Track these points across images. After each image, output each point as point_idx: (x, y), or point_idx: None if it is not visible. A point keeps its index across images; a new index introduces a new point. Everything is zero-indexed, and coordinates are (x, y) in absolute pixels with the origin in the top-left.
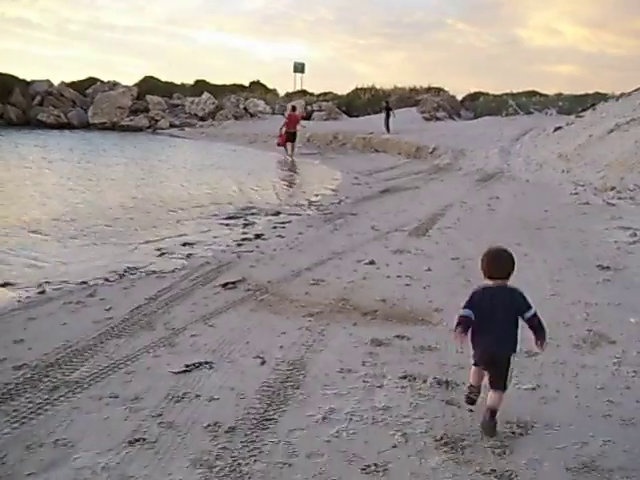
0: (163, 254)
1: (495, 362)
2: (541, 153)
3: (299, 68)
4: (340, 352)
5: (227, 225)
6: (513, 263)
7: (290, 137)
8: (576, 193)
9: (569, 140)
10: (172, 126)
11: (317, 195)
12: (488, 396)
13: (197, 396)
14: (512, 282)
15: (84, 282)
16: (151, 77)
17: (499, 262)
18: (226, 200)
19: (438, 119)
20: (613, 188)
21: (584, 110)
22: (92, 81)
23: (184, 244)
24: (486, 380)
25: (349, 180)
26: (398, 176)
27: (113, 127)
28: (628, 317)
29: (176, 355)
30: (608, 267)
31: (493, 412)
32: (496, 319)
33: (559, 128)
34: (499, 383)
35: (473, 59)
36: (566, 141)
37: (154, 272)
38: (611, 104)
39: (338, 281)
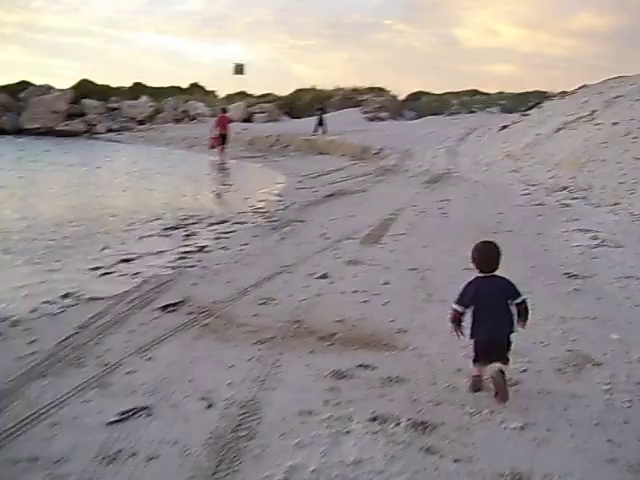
0: (98, 273)
1: (497, 343)
2: (488, 152)
3: (239, 69)
4: (298, 388)
5: (168, 237)
6: (499, 255)
7: (221, 139)
8: (528, 193)
9: (516, 139)
10: (110, 130)
11: (261, 201)
12: (493, 378)
13: (133, 454)
14: None
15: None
16: (87, 80)
17: (488, 256)
18: (166, 209)
19: (381, 119)
20: (565, 188)
21: (530, 109)
22: (25, 85)
23: (122, 260)
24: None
25: (294, 184)
26: (344, 179)
27: (48, 132)
28: (608, 333)
29: (109, 399)
30: (576, 275)
31: (502, 384)
32: (493, 306)
33: (505, 127)
34: (504, 357)
35: (413, 59)
36: (513, 140)
37: (87, 295)
38: (557, 102)
39: (290, 299)
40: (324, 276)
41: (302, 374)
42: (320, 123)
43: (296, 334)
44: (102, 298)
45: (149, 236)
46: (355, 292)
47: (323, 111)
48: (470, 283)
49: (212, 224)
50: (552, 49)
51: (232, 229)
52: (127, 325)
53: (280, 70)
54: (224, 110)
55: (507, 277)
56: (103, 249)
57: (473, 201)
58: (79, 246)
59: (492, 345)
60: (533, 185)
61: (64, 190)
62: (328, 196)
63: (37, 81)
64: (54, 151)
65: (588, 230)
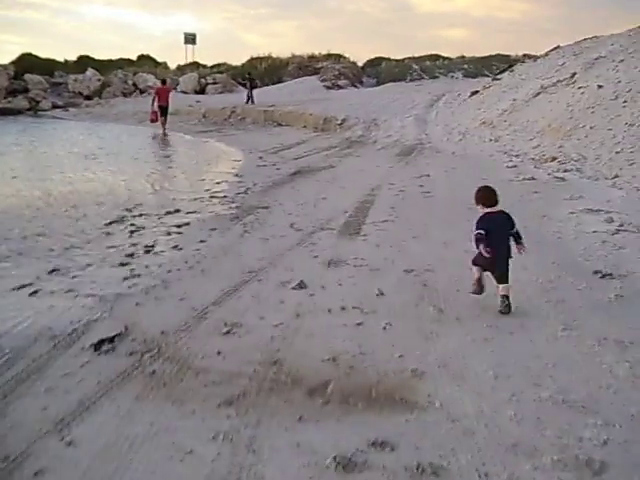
0: (14, 293)
1: (500, 266)
2: (461, 120)
3: (190, 39)
4: None
5: (108, 234)
6: (496, 193)
7: (162, 111)
8: (514, 166)
9: (490, 105)
10: (55, 107)
11: (218, 183)
12: (499, 289)
13: None
14: None
15: None
16: (29, 54)
17: (490, 194)
18: (108, 197)
19: (340, 87)
20: (554, 159)
21: (500, 72)
22: None
23: (51, 271)
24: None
25: (253, 161)
26: (308, 153)
27: None
28: None
29: None
30: (609, 274)
31: (506, 296)
32: (499, 234)
33: (475, 92)
34: (505, 278)
35: (365, 26)
36: (487, 106)
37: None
38: (529, 65)
39: (261, 324)
40: (301, 285)
41: (292, 465)
42: (250, 94)
43: (276, 385)
44: (16, 333)
45: (87, 233)
46: (344, 309)
47: (252, 81)
48: (483, 217)
49: (162, 215)
50: (505, 13)
51: (185, 221)
52: (45, 378)
53: (232, 40)
54: (164, 81)
55: (506, 210)
56: (28, 260)
57: (455, 176)
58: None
59: (498, 262)
60: (517, 156)
61: None
62: (293, 174)
63: None
64: None
65: (598, 210)
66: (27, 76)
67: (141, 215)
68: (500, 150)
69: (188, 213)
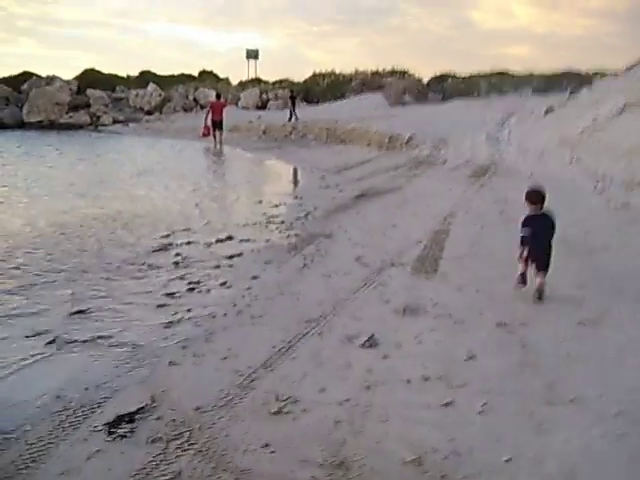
0: (42, 342)
1: (544, 255)
2: (537, 140)
3: (252, 54)
4: None
5: (150, 266)
6: (545, 195)
7: (217, 126)
8: (602, 191)
9: (568, 123)
10: (116, 122)
11: (276, 206)
12: (537, 279)
13: None
14: None
15: None
16: (93, 70)
17: (538, 194)
18: (156, 219)
19: (405, 104)
20: None
21: (577, 89)
22: (27, 76)
23: (75, 313)
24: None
25: (315, 181)
26: (373, 173)
27: (51, 125)
28: None
29: None
30: None
31: (541, 285)
32: (541, 234)
33: (551, 110)
34: (544, 267)
35: (428, 42)
36: (565, 125)
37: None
38: (609, 81)
39: (323, 400)
40: (372, 342)
41: None
42: (292, 111)
43: None
44: (14, 402)
45: (128, 265)
46: (426, 379)
47: (294, 99)
48: (529, 217)
49: (212, 243)
50: (567, 29)
51: (237, 251)
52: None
53: (295, 56)
54: (218, 95)
55: (552, 213)
56: (43, 288)
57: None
58: (29, 294)
59: (541, 256)
60: (603, 179)
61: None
62: (357, 197)
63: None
64: (40, 147)
65: None
66: (89, 91)
67: (189, 243)
68: (581, 172)
69: (241, 241)
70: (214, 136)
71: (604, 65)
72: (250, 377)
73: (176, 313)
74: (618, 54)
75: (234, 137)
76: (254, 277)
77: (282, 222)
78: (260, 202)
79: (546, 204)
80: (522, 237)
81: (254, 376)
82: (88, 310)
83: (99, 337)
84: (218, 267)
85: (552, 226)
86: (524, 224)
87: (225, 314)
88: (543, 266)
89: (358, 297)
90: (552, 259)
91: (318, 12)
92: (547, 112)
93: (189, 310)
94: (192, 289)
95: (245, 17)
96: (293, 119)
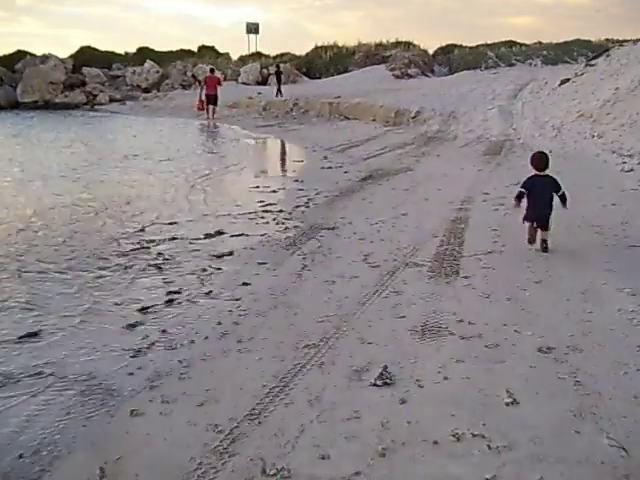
0: None
1: (542, 218)
2: (554, 113)
3: (252, 29)
4: None
5: (125, 269)
6: (549, 159)
7: (211, 100)
8: (631, 169)
9: (587, 95)
10: (112, 100)
11: (274, 191)
12: (540, 237)
13: None
14: None
15: None
16: (89, 47)
17: (541, 160)
18: (138, 210)
19: (410, 76)
20: None
21: (594, 57)
22: (22, 54)
23: (23, 337)
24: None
25: (317, 161)
26: (380, 152)
27: (46, 105)
28: None
29: None
30: None
31: (545, 240)
32: (542, 194)
33: (567, 80)
34: (545, 227)
35: (431, 14)
36: (583, 97)
37: None
38: (629, 49)
39: (324, 474)
40: (385, 378)
41: None
42: (278, 88)
43: None
44: None
45: (90, 270)
46: (459, 439)
47: (280, 75)
48: (530, 177)
49: (199, 239)
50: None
51: (228, 249)
52: None
53: (297, 30)
54: (212, 70)
55: (553, 175)
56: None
57: (562, 183)
58: None
59: (540, 218)
60: (630, 156)
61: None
62: (363, 179)
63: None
64: (31, 128)
65: None
66: (85, 69)
67: (173, 239)
68: (607, 148)
69: (233, 236)
70: (207, 110)
71: (612, 36)
72: (231, 435)
73: (147, 336)
74: (626, 24)
75: (233, 113)
76: (245, 284)
77: (280, 211)
78: (257, 187)
79: (573, 187)
80: (519, 192)
81: (237, 433)
82: (37, 331)
83: (41, 373)
84: (204, 270)
85: (553, 184)
86: (525, 181)
87: (207, 337)
88: (545, 226)
89: (367, 310)
90: (583, 249)
91: None
92: (562, 83)
93: (164, 331)
94: (171, 301)
95: None
96: (279, 96)
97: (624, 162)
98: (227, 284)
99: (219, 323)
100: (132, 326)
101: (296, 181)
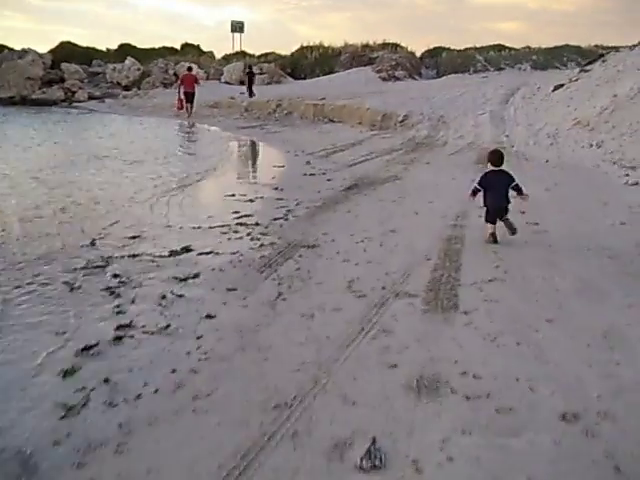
0: None
1: (500, 210)
2: (548, 119)
3: (237, 27)
4: None
5: (72, 290)
6: (503, 156)
7: (188, 97)
8: (635, 183)
9: (583, 102)
10: (92, 98)
11: (251, 200)
12: (505, 224)
13: None
14: None
15: None
16: (68, 42)
17: (497, 157)
18: (96, 219)
19: (397, 79)
20: None
21: (589, 63)
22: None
23: None
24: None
25: (299, 167)
26: (366, 157)
27: (23, 101)
28: None
29: None
30: None
31: (507, 220)
32: (497, 188)
33: (560, 86)
34: (504, 217)
35: (418, 17)
36: (579, 103)
37: None
38: (626, 54)
39: None
40: (374, 458)
41: None
42: (249, 88)
43: None
44: None
45: (30, 293)
46: None
47: (251, 75)
48: (486, 173)
49: (163, 256)
50: (559, 5)
51: (193, 270)
52: None
53: (283, 31)
54: (189, 68)
55: (508, 170)
56: None
57: (562, 197)
58: None
59: (496, 210)
60: (633, 168)
61: None
62: (348, 189)
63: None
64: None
65: None
66: (64, 65)
67: (134, 256)
68: (607, 159)
69: (201, 254)
70: (186, 108)
71: (599, 42)
72: None
73: (84, 388)
74: (612, 31)
75: (214, 114)
76: (209, 316)
77: (256, 224)
78: (232, 195)
79: (575, 202)
80: (475, 187)
81: None
82: None
83: None
84: (164, 297)
85: (508, 178)
86: (481, 178)
87: (157, 390)
88: (501, 216)
89: (351, 356)
90: (596, 277)
91: None
92: (556, 89)
93: (105, 381)
94: (119, 338)
95: None
96: (251, 96)
97: (627, 174)
98: (188, 316)
99: (173, 371)
100: (67, 373)
101: (275, 189)
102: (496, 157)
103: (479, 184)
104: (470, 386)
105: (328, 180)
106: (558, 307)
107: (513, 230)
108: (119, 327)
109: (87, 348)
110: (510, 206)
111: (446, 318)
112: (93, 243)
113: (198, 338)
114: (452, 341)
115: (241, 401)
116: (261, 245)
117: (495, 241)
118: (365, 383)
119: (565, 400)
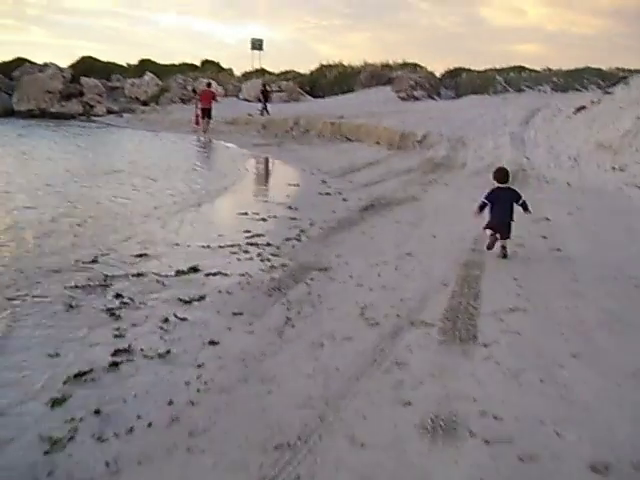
0: None
1: (503, 226)
2: (570, 142)
3: (257, 45)
4: None
5: (70, 308)
6: (509, 173)
7: (205, 113)
8: None
9: (606, 124)
10: (110, 112)
11: (264, 220)
12: (500, 244)
13: None
14: None
15: None
16: (89, 57)
17: (503, 174)
18: (106, 234)
19: (416, 99)
20: None
21: (612, 85)
22: (20, 62)
23: None
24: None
25: (314, 186)
26: (383, 178)
27: (42, 114)
28: None
29: None
30: None
31: (504, 247)
32: (503, 204)
33: (582, 108)
34: (506, 236)
35: (438, 38)
36: (602, 126)
37: None
38: None
39: None
40: None
41: None
42: (264, 106)
43: None
44: None
45: (30, 313)
46: None
47: (266, 93)
48: (493, 190)
49: (169, 276)
50: (579, 28)
51: (200, 292)
52: None
53: (303, 50)
54: (208, 84)
55: (514, 187)
56: None
57: (585, 221)
58: None
59: (499, 224)
60: None
61: None
62: (364, 209)
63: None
64: (17, 138)
65: None
66: (83, 79)
67: (139, 275)
68: (630, 182)
69: (208, 275)
70: (201, 124)
71: (618, 65)
72: None
73: (73, 419)
74: (633, 55)
75: (231, 130)
76: (212, 342)
77: (267, 244)
78: (245, 213)
79: (598, 227)
80: (482, 202)
81: None
82: None
83: None
84: (166, 321)
85: (513, 195)
86: (488, 194)
87: (150, 424)
88: (506, 235)
89: (361, 392)
90: (624, 310)
91: (328, 6)
92: (578, 111)
93: (96, 412)
94: (115, 364)
95: (254, 10)
96: (264, 114)
97: None
98: (190, 341)
99: (170, 402)
100: (56, 402)
101: (289, 208)
102: (502, 175)
103: (486, 198)
104: (490, 428)
105: (344, 200)
106: (584, 341)
107: (505, 255)
108: (116, 352)
109: (80, 374)
110: (525, 231)
111: (464, 351)
112: (104, 260)
113: (199, 366)
114: (470, 377)
115: (240, 440)
116: (271, 266)
117: (492, 247)
118: (375, 422)
119: (594, 448)
